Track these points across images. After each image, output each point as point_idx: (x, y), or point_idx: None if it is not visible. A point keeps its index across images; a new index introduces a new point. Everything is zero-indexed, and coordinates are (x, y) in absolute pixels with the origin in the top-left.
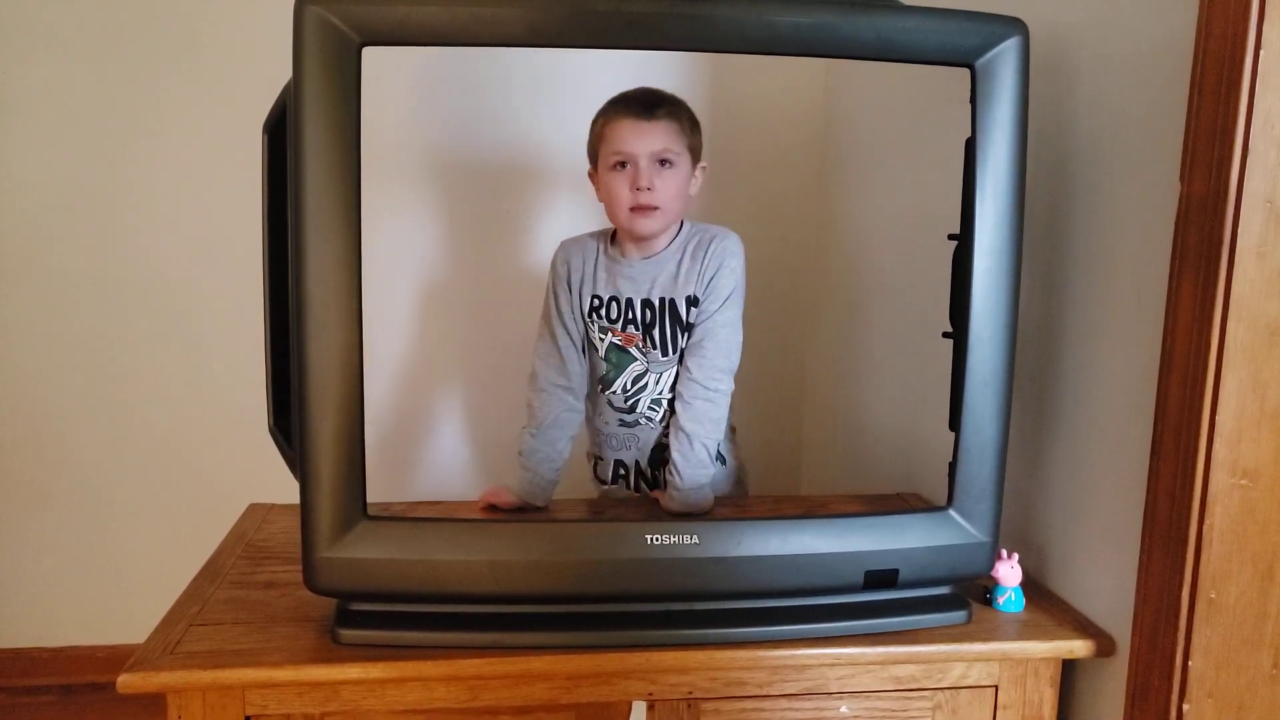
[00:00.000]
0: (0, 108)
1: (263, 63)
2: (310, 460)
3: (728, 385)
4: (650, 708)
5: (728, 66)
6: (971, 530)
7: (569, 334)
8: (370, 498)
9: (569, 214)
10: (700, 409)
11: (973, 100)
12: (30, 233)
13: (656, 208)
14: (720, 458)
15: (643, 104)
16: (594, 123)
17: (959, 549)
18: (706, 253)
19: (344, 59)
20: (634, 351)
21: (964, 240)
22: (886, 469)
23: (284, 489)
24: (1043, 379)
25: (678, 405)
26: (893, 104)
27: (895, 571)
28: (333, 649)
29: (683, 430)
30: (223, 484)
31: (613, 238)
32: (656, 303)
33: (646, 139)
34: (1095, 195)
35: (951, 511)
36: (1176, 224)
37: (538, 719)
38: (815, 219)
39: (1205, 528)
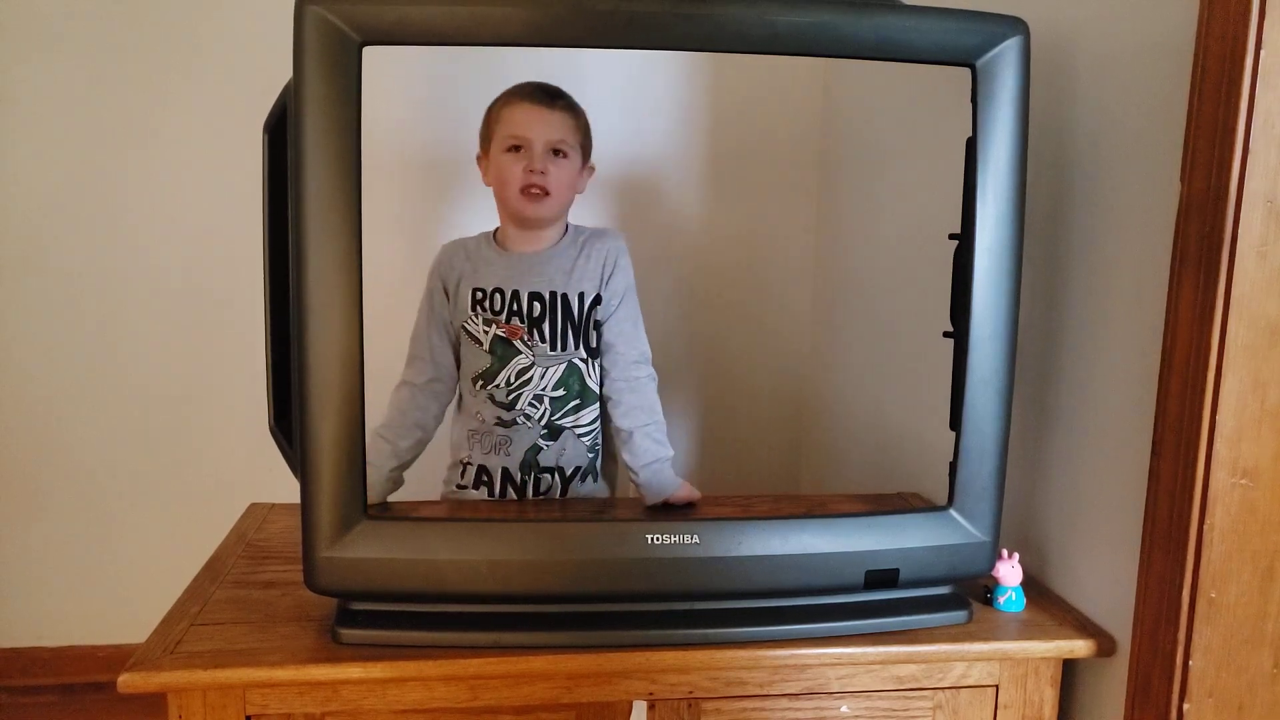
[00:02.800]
0: (0, 108)
1: (263, 63)
2: (311, 460)
3: (647, 372)
4: (651, 707)
5: (728, 66)
6: (972, 530)
7: (439, 335)
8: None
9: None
10: (628, 401)
11: (973, 100)
12: (30, 232)
13: (548, 193)
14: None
15: (544, 92)
16: (490, 107)
17: (959, 548)
18: (602, 252)
19: (344, 59)
20: (519, 344)
21: (964, 240)
22: (886, 469)
23: (284, 489)
24: (1043, 379)
25: (609, 408)
26: (893, 104)
27: (896, 571)
28: (333, 649)
29: (620, 429)
30: (223, 484)
31: (494, 235)
32: (547, 296)
33: (543, 126)
34: (1095, 195)
35: (952, 511)
36: (1176, 224)
37: (538, 719)
38: (815, 218)
39: (1205, 527)
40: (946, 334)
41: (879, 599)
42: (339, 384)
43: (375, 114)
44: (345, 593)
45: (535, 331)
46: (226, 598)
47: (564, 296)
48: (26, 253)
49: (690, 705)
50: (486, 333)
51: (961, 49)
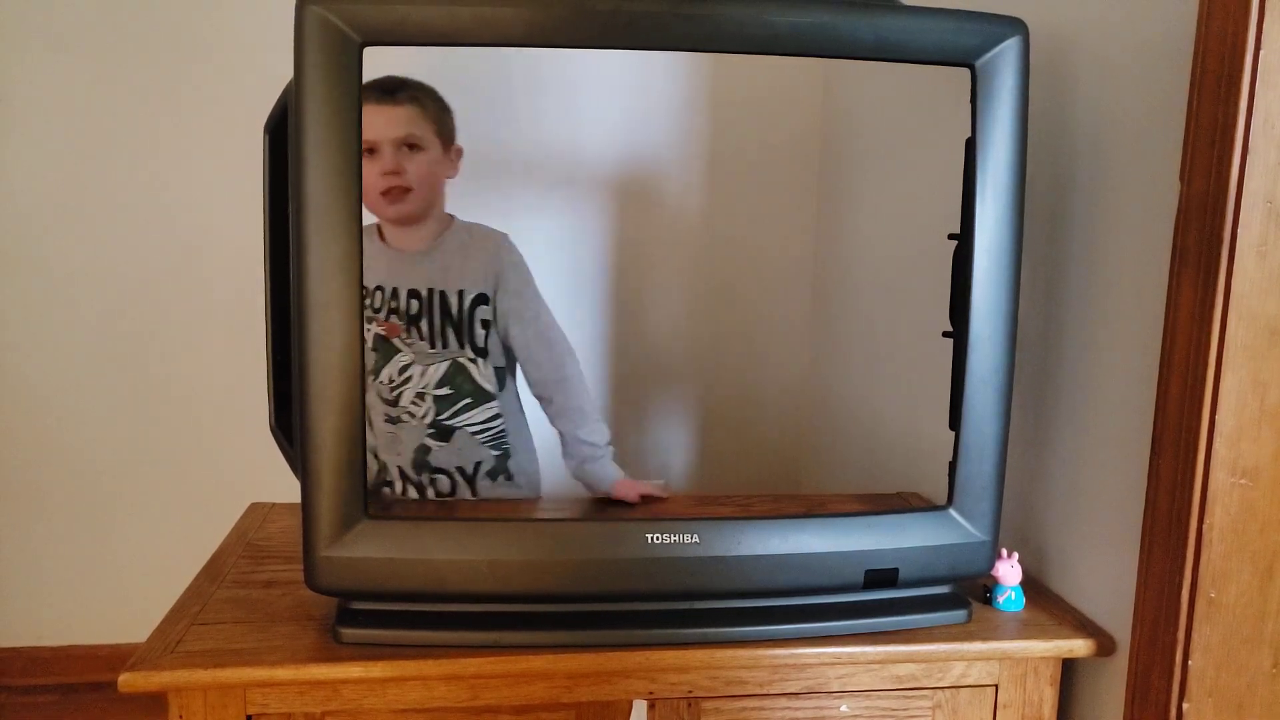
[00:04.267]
0: (0, 108)
1: (263, 63)
2: (311, 459)
3: (573, 370)
4: (650, 707)
5: (728, 66)
6: (971, 529)
7: None
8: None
9: (567, 211)
10: (558, 403)
11: (973, 100)
12: (31, 232)
13: (408, 189)
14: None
15: (384, 89)
16: None
17: (959, 548)
18: (484, 253)
19: (345, 59)
20: (397, 342)
21: (964, 240)
22: (886, 468)
23: (285, 488)
24: (1043, 378)
25: (543, 408)
26: (893, 104)
27: (895, 570)
28: (334, 648)
29: (556, 429)
30: (223, 483)
31: (378, 228)
32: (424, 293)
33: (388, 124)
34: (1095, 195)
35: (951, 511)
36: (1176, 223)
37: (538, 718)
38: (815, 219)
39: (1205, 527)
40: (946, 334)
41: (878, 598)
42: (339, 384)
43: None
44: (345, 592)
45: (413, 329)
46: (227, 597)
47: (442, 294)
48: (26, 252)
49: (690, 705)
50: (368, 330)
51: (961, 49)
